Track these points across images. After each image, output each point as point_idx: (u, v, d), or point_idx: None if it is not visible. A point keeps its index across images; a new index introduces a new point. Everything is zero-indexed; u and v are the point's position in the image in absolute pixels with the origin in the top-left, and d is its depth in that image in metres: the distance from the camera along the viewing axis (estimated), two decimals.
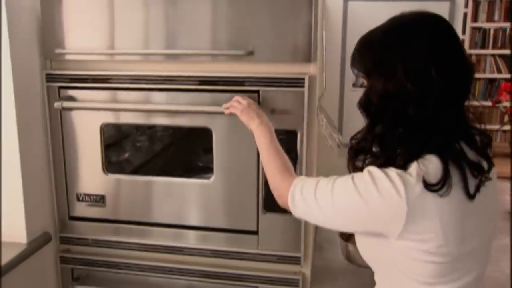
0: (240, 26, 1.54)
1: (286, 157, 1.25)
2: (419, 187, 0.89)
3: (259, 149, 1.29)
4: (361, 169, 0.99)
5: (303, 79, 1.52)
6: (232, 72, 1.57)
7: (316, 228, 1.87)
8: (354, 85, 1.94)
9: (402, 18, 1.00)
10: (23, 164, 1.63)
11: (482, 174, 0.94)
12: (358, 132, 1.04)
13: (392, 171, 0.92)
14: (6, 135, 1.60)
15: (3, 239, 1.51)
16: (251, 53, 1.52)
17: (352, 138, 1.05)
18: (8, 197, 1.63)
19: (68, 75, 1.69)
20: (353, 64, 1.04)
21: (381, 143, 0.97)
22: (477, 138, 0.99)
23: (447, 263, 0.94)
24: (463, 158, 0.92)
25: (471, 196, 0.91)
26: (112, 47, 1.65)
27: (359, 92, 1.88)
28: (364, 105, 1.00)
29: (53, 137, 1.75)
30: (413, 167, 0.91)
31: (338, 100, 1.92)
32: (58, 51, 1.67)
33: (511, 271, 1.60)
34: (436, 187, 0.88)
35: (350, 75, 1.93)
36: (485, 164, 0.97)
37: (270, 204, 1.59)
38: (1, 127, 1.58)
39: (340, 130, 2.06)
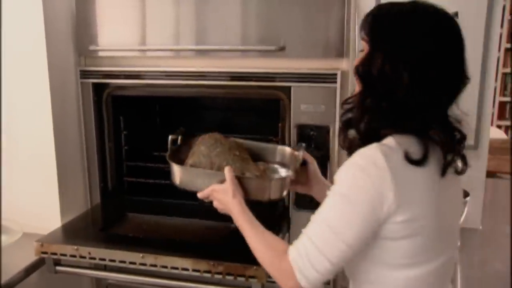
0: (272, 21, 1.53)
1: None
2: (400, 155, 0.91)
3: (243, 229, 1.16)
4: (350, 142, 1.02)
5: (335, 74, 1.50)
6: (263, 68, 1.57)
7: None
8: None
9: (426, 9, 0.98)
10: (58, 158, 1.66)
11: (452, 159, 0.96)
12: (350, 97, 1.03)
13: (365, 153, 0.93)
14: (42, 131, 1.64)
15: (40, 232, 1.54)
16: (282, 48, 1.51)
17: (343, 103, 1.04)
18: (43, 191, 1.68)
19: (101, 71, 1.72)
20: (363, 26, 1.00)
21: (368, 116, 0.98)
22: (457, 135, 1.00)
23: (425, 239, 0.95)
24: (441, 141, 0.94)
25: (444, 174, 0.94)
26: (143, 44, 1.67)
27: None
28: (362, 74, 0.98)
29: (87, 133, 1.78)
30: (390, 139, 0.94)
31: None
32: (92, 47, 1.69)
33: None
34: (417, 161, 0.91)
35: None
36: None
37: (301, 201, 1.58)
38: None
39: None
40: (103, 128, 1.80)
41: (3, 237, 1.53)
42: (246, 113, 1.97)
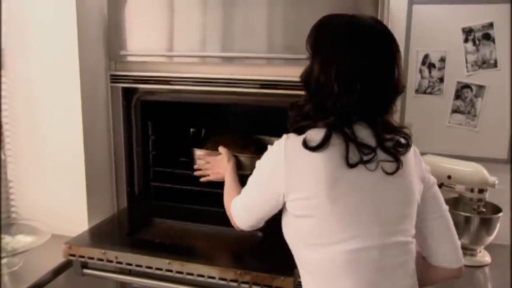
0: (301, 29, 1.50)
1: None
2: (298, 142, 1.04)
3: (225, 182, 1.42)
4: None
5: None
6: (293, 76, 1.55)
7: None
8: (417, 91, 1.87)
9: (363, 23, 1.07)
10: (87, 162, 1.68)
11: (370, 154, 1.03)
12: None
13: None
14: (72, 134, 1.66)
15: (67, 234, 1.56)
16: None
17: (292, 103, 1.17)
18: (72, 194, 1.70)
19: (131, 76, 1.73)
20: (307, 39, 1.12)
21: (295, 113, 1.13)
22: (402, 140, 1.08)
23: (321, 220, 1.03)
24: (350, 137, 1.03)
25: (350, 165, 1.02)
26: (171, 49, 1.68)
27: (422, 99, 1.84)
28: (303, 80, 1.11)
29: (115, 137, 1.79)
30: (308, 131, 1.06)
31: (400, 105, 1.85)
32: (122, 52, 1.71)
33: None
34: (312, 147, 1.02)
35: (413, 80, 1.87)
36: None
37: None
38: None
39: None
40: (131, 133, 1.81)
41: (32, 238, 1.56)
42: (274, 121, 1.96)
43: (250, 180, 1.18)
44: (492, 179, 1.59)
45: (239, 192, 1.25)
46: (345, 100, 1.02)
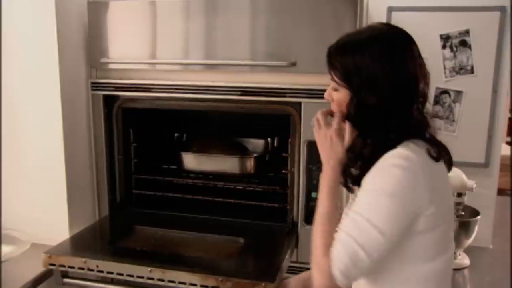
0: (283, 37, 1.54)
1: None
2: (423, 153, 1.00)
3: (320, 190, 1.13)
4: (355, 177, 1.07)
5: None
6: (274, 83, 1.57)
7: None
8: None
9: (383, 31, 1.06)
10: (68, 170, 1.67)
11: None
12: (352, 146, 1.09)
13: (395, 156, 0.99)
14: (52, 142, 1.64)
15: (48, 243, 1.54)
16: (293, 64, 1.51)
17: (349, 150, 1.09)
18: (52, 202, 1.68)
19: (112, 83, 1.73)
20: (334, 67, 1.06)
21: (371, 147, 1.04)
22: None
23: (445, 229, 1.03)
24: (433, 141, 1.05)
25: (449, 168, 1.08)
26: (153, 57, 1.68)
27: None
28: (356, 119, 1.05)
29: (97, 145, 1.78)
30: (405, 144, 1.00)
31: None
32: (103, 60, 1.70)
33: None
34: (436, 157, 1.01)
35: None
36: None
37: (310, 216, 1.58)
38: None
39: None
40: (112, 140, 1.80)
41: (12, 248, 1.54)
42: (256, 128, 1.98)
43: (367, 216, 0.96)
44: (470, 183, 1.61)
45: (335, 226, 1.01)
46: (408, 108, 1.02)
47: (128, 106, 1.77)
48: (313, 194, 1.57)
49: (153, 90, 1.70)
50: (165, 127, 2.08)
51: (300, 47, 1.51)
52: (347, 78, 1.03)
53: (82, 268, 1.42)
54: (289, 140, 1.62)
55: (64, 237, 1.63)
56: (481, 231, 1.67)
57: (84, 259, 1.41)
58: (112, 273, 1.40)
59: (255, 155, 1.90)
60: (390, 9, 1.85)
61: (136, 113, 1.82)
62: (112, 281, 1.51)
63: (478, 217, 1.65)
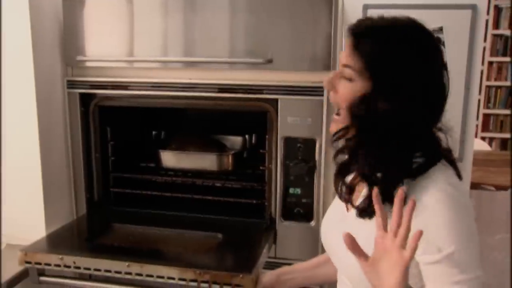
0: (259, 34, 1.55)
1: None
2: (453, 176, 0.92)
3: None
4: (349, 186, 0.98)
5: (322, 87, 1.51)
6: (251, 80, 1.58)
7: None
8: None
9: (411, 26, 0.93)
10: (44, 169, 1.65)
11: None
12: (339, 134, 0.95)
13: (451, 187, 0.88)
14: (27, 141, 1.62)
15: (23, 243, 1.52)
16: (270, 61, 1.52)
17: (335, 140, 0.96)
18: (28, 202, 1.66)
19: (89, 81, 1.71)
20: (358, 55, 0.88)
21: (376, 159, 0.91)
22: None
23: None
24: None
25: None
26: (131, 54, 1.67)
27: None
28: (366, 125, 0.90)
29: (73, 143, 1.77)
30: (443, 173, 0.90)
31: None
32: (79, 58, 1.69)
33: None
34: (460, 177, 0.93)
35: None
36: None
37: (287, 212, 1.59)
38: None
39: None
40: (89, 139, 1.79)
41: None
42: (234, 125, 1.99)
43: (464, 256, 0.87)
44: None
45: None
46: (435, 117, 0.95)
47: (105, 104, 1.75)
48: (290, 190, 1.59)
49: (131, 88, 1.69)
50: (143, 124, 2.08)
51: (277, 44, 1.53)
52: (376, 67, 0.88)
53: (59, 265, 1.40)
54: (266, 136, 1.63)
55: (41, 237, 1.61)
56: None
57: (60, 256, 1.40)
58: (89, 269, 1.38)
59: (233, 152, 1.91)
60: (366, 7, 1.87)
61: (113, 111, 1.81)
62: (90, 277, 1.50)
63: None
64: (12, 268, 1.47)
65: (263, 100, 1.57)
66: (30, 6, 1.55)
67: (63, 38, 1.70)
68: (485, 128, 5.39)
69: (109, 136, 1.86)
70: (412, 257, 0.76)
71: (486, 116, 5.36)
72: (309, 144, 1.55)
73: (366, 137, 0.91)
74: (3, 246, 1.56)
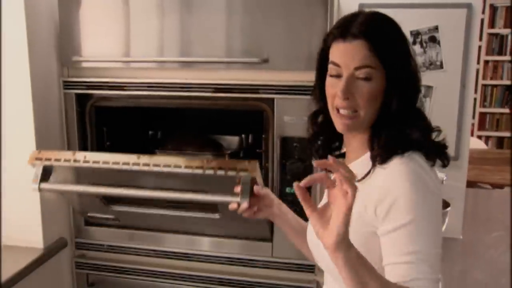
0: (255, 34, 1.55)
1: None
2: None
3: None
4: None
5: None
6: (247, 80, 1.58)
7: None
8: None
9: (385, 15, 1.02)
10: None
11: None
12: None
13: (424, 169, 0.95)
14: (24, 141, 1.62)
15: (20, 244, 1.52)
16: (265, 61, 1.52)
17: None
18: (25, 203, 1.66)
19: (85, 82, 1.71)
20: (375, 49, 0.93)
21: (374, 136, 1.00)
22: None
23: None
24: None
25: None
26: (127, 55, 1.67)
27: None
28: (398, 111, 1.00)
29: (70, 144, 1.77)
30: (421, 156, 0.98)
31: None
32: (75, 58, 1.69)
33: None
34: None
35: None
36: None
37: None
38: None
39: None
40: (86, 139, 1.78)
41: None
42: (231, 125, 1.99)
43: (426, 251, 0.89)
44: (440, 175, 1.65)
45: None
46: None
47: (102, 105, 1.75)
48: (287, 190, 1.59)
49: (127, 88, 1.69)
50: (140, 125, 2.07)
51: (272, 44, 1.53)
52: (389, 60, 0.95)
53: (69, 160, 1.33)
54: (263, 136, 1.63)
55: (38, 238, 1.61)
56: (451, 222, 1.72)
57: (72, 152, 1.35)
58: (98, 162, 1.33)
59: (229, 151, 1.91)
60: (362, 6, 1.88)
61: (109, 111, 1.80)
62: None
63: (449, 208, 1.69)
64: (9, 269, 1.47)
65: (259, 99, 1.57)
66: (26, 6, 1.55)
67: (59, 38, 1.70)
68: (481, 126, 5.42)
69: (105, 136, 1.85)
70: (353, 199, 0.78)
71: (482, 115, 5.39)
72: (306, 144, 1.55)
73: (391, 122, 0.99)
74: None
